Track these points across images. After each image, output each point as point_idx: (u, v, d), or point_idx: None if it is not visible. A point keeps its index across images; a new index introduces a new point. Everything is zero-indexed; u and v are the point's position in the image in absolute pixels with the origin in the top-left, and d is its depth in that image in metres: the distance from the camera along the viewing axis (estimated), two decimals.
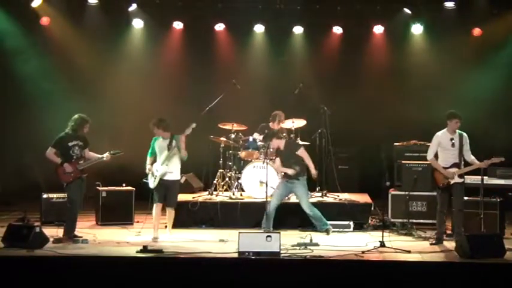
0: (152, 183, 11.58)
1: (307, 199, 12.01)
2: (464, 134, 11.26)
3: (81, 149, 11.41)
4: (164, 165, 11.49)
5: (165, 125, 11.57)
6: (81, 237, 11.28)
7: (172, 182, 11.59)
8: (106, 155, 11.48)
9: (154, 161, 11.71)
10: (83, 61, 15.07)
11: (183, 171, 13.18)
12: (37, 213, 12.79)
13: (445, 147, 11.23)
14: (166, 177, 11.54)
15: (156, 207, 11.59)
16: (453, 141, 11.19)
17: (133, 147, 12.30)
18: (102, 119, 12.61)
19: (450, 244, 10.90)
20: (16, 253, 10.20)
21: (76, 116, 11.42)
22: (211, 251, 10.36)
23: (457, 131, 11.23)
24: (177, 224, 12.12)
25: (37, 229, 10.65)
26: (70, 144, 11.33)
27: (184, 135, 11.52)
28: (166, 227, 11.86)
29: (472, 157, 11.24)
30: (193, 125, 11.58)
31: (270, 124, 13.46)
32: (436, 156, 11.30)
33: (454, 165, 11.15)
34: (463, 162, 11.20)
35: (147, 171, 11.66)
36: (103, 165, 11.79)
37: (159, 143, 11.64)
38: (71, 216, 11.33)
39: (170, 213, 11.69)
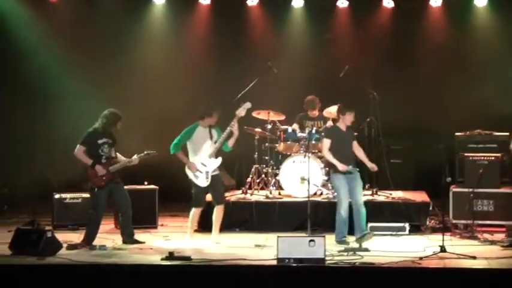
0: (204, 180, 11.52)
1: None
2: None
3: (110, 148, 11.39)
4: (214, 159, 11.51)
5: None
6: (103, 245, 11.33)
7: (218, 176, 11.66)
8: (135, 158, 11.49)
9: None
10: (97, 44, 15.17)
11: None
12: (48, 216, 12.89)
13: None
14: (214, 172, 11.60)
15: (196, 211, 11.65)
16: None
17: (156, 140, 12.36)
18: (124, 111, 12.59)
19: None
20: (25, 261, 10.24)
21: (107, 112, 11.42)
22: (246, 257, 10.35)
23: None
24: (207, 226, 12.13)
25: (49, 234, 10.74)
26: (100, 141, 11.29)
27: (237, 118, 11.52)
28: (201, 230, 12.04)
29: None
30: (248, 105, 11.61)
31: (309, 112, 13.53)
32: None
33: None
34: None
35: (192, 170, 11.48)
36: None
37: (200, 133, 11.55)
38: (94, 222, 11.37)
39: (221, 212, 11.67)
